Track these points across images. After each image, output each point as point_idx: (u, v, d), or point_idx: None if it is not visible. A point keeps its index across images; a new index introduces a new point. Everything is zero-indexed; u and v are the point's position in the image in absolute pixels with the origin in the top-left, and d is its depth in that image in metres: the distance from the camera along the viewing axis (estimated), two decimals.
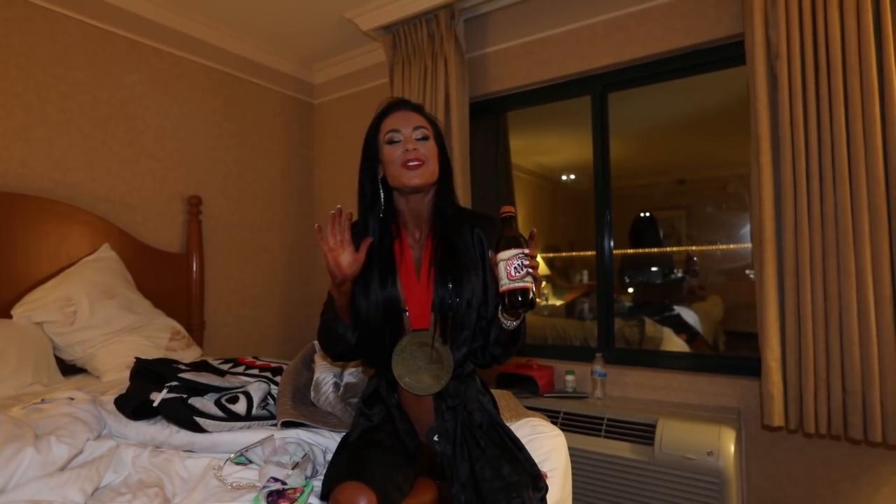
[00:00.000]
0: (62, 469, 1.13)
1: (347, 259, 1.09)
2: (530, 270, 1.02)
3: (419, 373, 1.16)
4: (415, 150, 1.15)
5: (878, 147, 1.64)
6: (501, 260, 1.04)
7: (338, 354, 1.24)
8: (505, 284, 1.03)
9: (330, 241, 1.09)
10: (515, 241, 1.04)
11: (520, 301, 1.02)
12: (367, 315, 1.17)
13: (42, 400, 1.40)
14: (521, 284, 1.02)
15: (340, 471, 1.03)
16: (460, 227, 1.23)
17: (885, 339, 1.63)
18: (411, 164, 1.15)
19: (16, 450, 1.09)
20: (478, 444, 1.14)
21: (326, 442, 1.29)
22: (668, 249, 3.24)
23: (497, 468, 1.09)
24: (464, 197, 2.52)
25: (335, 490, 0.97)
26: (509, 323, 1.10)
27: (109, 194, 2.44)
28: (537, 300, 1.05)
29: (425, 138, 1.18)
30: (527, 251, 1.03)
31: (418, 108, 1.24)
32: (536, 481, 1.12)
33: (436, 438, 1.17)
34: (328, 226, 1.10)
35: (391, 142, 1.17)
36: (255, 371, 1.64)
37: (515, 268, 1.02)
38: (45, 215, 2.15)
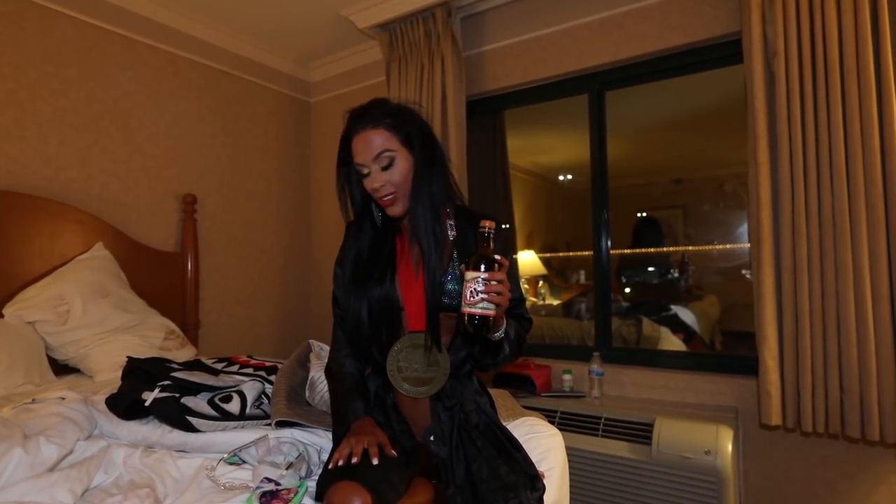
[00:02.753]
0: (51, 470, 1.11)
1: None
2: (484, 297, 0.97)
3: (414, 375, 1.15)
4: (382, 186, 1.13)
5: (875, 146, 1.64)
6: (465, 280, 1.00)
7: None
8: (462, 306, 0.99)
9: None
10: (481, 263, 0.99)
11: (475, 325, 0.99)
12: (358, 313, 1.16)
13: (33, 400, 1.38)
14: (472, 310, 0.98)
15: (335, 471, 1.01)
16: (464, 227, 1.21)
17: (883, 337, 1.63)
18: (384, 199, 1.14)
19: (3, 450, 1.07)
20: (474, 445, 1.13)
21: (321, 442, 1.28)
22: (664, 249, 3.24)
23: (494, 468, 1.08)
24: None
25: (330, 490, 0.95)
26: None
27: (103, 192, 2.42)
28: (494, 328, 1.01)
29: (390, 164, 1.12)
30: (486, 276, 0.98)
31: (375, 119, 1.13)
32: (534, 481, 1.11)
33: (431, 439, 1.15)
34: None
35: (363, 174, 1.16)
36: (250, 370, 1.63)
37: (471, 292, 0.97)
38: (37, 213, 2.12)
